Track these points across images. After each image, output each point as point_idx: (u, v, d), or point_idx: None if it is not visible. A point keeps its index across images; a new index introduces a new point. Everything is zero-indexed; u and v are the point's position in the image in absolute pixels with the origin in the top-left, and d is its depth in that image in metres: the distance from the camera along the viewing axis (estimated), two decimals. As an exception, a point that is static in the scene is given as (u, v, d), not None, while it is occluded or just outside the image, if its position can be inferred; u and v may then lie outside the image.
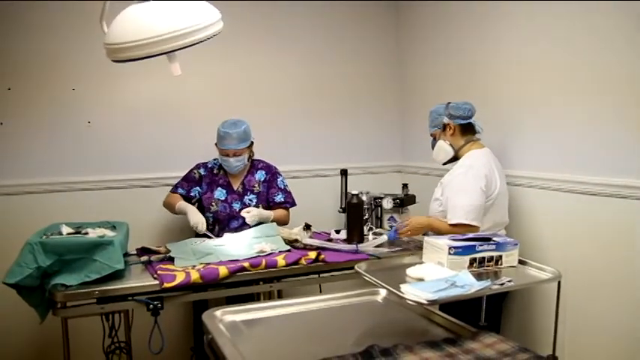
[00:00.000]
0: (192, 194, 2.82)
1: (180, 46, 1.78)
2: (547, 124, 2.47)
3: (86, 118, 2.93)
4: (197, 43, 1.82)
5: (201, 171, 2.88)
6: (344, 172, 3.37)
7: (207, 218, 2.74)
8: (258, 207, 2.79)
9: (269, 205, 2.86)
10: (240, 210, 2.75)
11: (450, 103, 2.53)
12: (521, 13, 2.58)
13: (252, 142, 2.85)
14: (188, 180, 2.87)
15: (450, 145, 2.52)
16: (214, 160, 2.91)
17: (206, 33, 1.83)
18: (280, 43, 3.33)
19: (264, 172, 2.90)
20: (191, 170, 2.90)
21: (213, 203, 2.80)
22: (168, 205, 2.83)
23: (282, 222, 2.82)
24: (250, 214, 2.69)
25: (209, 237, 2.64)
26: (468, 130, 2.51)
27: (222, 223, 2.80)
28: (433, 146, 2.61)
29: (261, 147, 3.17)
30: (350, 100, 3.54)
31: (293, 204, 2.91)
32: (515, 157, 2.65)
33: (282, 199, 2.86)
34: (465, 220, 2.32)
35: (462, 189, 2.37)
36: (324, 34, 3.43)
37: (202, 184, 2.85)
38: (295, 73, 3.39)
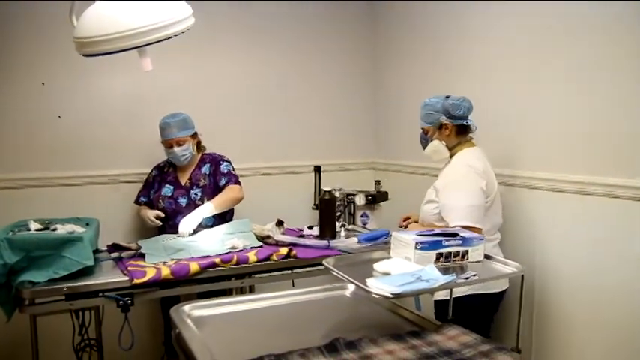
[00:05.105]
0: (152, 199, 2.80)
1: (150, 41, 1.78)
2: (536, 122, 2.45)
3: (56, 113, 2.89)
4: (167, 38, 1.82)
5: (154, 172, 2.89)
6: (317, 169, 3.39)
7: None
8: (202, 201, 2.72)
9: (217, 193, 2.78)
10: (187, 205, 2.72)
11: (448, 97, 2.34)
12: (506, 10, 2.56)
13: (195, 133, 2.81)
14: (146, 186, 2.88)
15: (445, 145, 2.37)
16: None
17: (176, 28, 1.82)
18: (254, 39, 3.33)
19: (209, 164, 2.84)
20: (148, 175, 2.90)
21: (160, 200, 2.78)
22: (142, 219, 2.82)
23: (232, 198, 2.72)
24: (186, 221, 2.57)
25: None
26: (463, 129, 2.36)
27: (170, 219, 2.75)
28: (422, 140, 2.45)
29: (234, 143, 3.17)
30: (324, 98, 3.56)
31: (237, 183, 2.80)
32: (510, 157, 2.59)
33: (225, 181, 2.77)
34: (468, 221, 2.16)
35: (462, 190, 2.24)
36: (299, 31, 3.44)
37: (154, 184, 2.84)
38: (268, 70, 3.39)
